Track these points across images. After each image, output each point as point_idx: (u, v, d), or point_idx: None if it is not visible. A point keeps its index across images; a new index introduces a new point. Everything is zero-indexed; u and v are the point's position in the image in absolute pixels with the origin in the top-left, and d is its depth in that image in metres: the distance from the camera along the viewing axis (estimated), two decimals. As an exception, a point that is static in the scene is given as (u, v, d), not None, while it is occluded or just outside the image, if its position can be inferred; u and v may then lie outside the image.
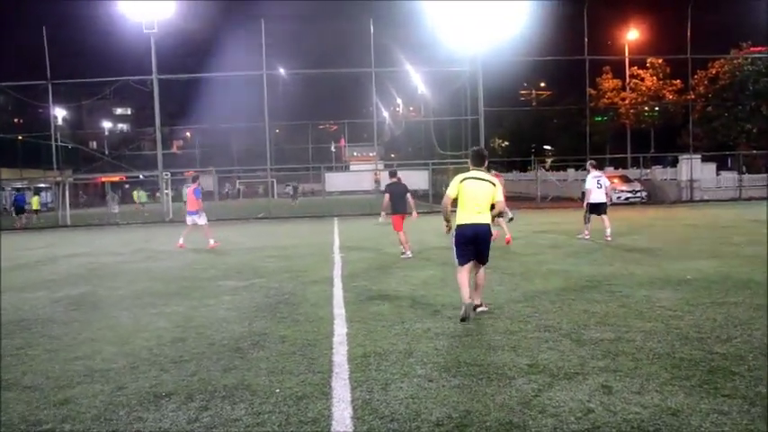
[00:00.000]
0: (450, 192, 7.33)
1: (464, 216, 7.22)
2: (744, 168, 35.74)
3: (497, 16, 31.27)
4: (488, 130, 35.36)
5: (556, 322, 6.79)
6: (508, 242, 14.41)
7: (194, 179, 17.51)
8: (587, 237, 15.12)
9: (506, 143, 65.87)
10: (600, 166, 18.85)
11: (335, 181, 35.03)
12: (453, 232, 7.38)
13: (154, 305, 8.74)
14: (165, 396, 4.88)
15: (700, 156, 34.05)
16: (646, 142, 43.00)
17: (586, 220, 15.35)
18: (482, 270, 7.50)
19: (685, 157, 33.63)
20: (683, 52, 34.29)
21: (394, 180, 13.50)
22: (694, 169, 32.63)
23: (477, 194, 7.18)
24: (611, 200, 16.08)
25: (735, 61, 38.33)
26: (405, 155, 62.96)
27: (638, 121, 42.45)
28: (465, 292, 7.09)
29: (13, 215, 33.06)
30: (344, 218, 27.47)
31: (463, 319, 6.96)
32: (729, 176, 34.69)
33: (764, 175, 34.20)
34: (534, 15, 32.40)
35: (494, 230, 8.08)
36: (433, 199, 31.23)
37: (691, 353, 5.54)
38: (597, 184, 14.98)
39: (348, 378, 5.15)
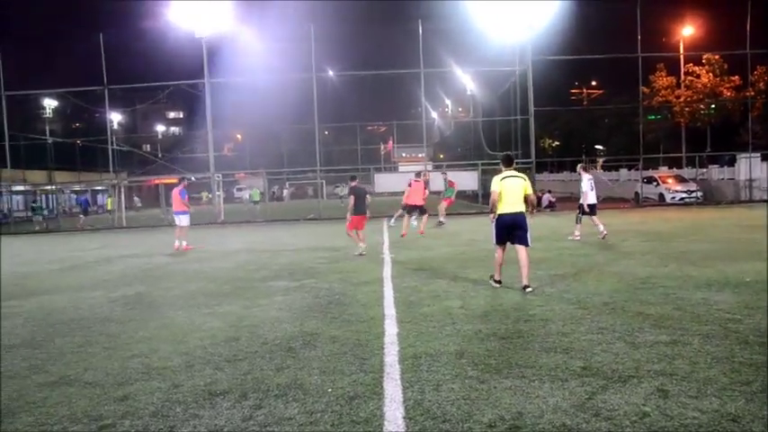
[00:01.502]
0: (497, 188, 8.98)
1: (505, 207, 8.92)
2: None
3: (547, 14, 30.93)
4: (538, 129, 34.97)
5: (609, 324, 6.68)
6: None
7: (181, 180, 18.35)
8: (578, 237, 15.55)
9: (557, 143, 64.99)
10: (588, 168, 19.28)
11: (385, 182, 35.07)
12: (495, 219, 9.08)
13: (207, 305, 8.92)
14: (219, 394, 4.99)
15: (759, 154, 32.97)
16: (702, 141, 41.85)
17: (578, 221, 16.00)
18: (524, 252, 8.95)
19: (744, 155, 32.61)
20: (742, 47, 33.24)
21: (354, 184, 14.57)
22: (753, 168, 31.61)
23: (514, 189, 8.94)
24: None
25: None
26: (454, 155, 62.67)
27: (693, 120, 41.34)
28: (498, 269, 9.25)
29: (80, 216, 34.64)
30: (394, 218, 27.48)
31: (498, 282, 9.19)
32: (791, 176, 33.54)
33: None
34: (585, 12, 31.92)
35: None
36: (483, 199, 31.06)
37: (751, 357, 5.39)
38: (591, 187, 15.77)
39: (399, 378, 5.17)
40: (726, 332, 6.23)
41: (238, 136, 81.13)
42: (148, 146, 76.94)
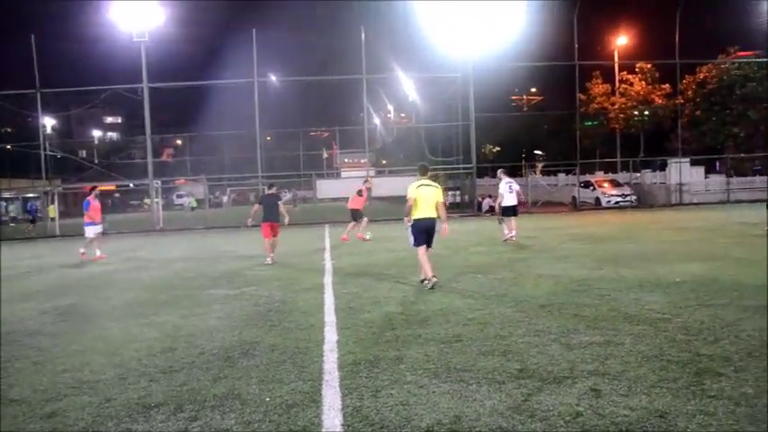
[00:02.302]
0: (412, 195, 9.81)
1: (420, 212, 9.81)
2: (731, 171, 35.99)
3: (488, 22, 31.39)
4: (480, 135, 35.43)
5: (546, 326, 6.82)
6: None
7: (92, 190, 17.87)
8: (513, 235, 16.11)
9: (497, 148, 66.00)
10: (511, 173, 20.17)
11: (327, 188, 34.98)
12: (411, 223, 9.94)
13: (144, 315, 8.71)
14: (154, 407, 4.87)
15: (688, 159, 34.25)
16: (636, 146, 43.21)
17: (500, 222, 16.75)
18: (428, 251, 10.03)
19: (674, 160, 33.82)
20: (672, 57, 34.53)
21: (270, 192, 14.94)
22: (683, 173, 32.82)
23: (428, 197, 9.82)
24: (527, 203, 17.37)
25: (722, 66, 38.61)
26: (396, 161, 62.86)
27: (627, 126, 42.62)
28: (428, 267, 9.84)
29: (29, 224, 33.67)
30: (336, 224, 27.42)
31: (432, 288, 9.55)
32: (717, 180, 34.95)
33: (752, 178, 34.46)
34: (525, 21, 32.44)
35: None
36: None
37: (678, 355, 5.58)
38: (509, 190, 16.48)
39: (338, 385, 5.16)
40: (656, 331, 6.43)
41: (179, 141, 79.56)
42: (84, 152, 74.70)
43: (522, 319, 7.21)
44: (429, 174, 10.32)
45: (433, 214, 9.86)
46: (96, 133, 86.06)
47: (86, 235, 17.12)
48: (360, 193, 18.51)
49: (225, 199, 60.48)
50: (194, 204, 36.87)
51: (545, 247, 14.99)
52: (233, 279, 11.94)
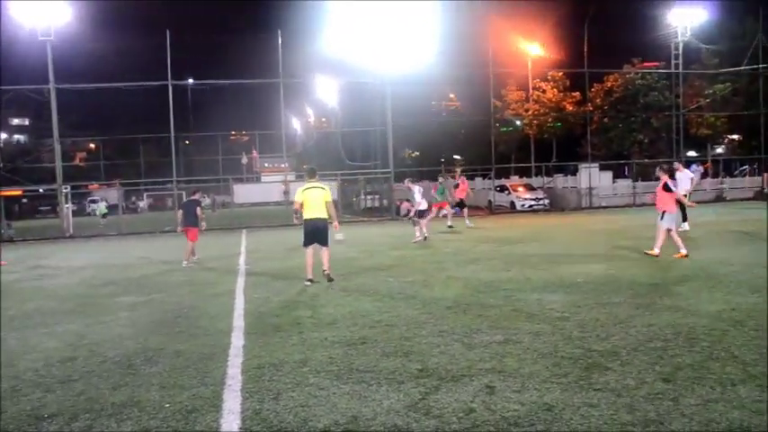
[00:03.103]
0: (298, 198, 10.57)
1: (307, 213, 10.48)
2: (637, 176, 37.71)
3: (407, 29, 31.73)
4: (398, 140, 35.80)
5: (450, 327, 7.00)
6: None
7: None
8: (419, 236, 17.31)
9: (416, 153, 66.78)
10: (430, 177, 21.80)
11: (245, 192, 34.60)
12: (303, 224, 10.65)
13: (45, 324, 8.43)
14: (47, 417, 4.75)
15: (598, 165, 35.62)
16: (549, 152, 44.61)
17: (415, 224, 17.78)
18: (326, 252, 10.71)
19: (584, 165, 35.10)
20: (581, 66, 35.91)
21: (192, 197, 15.33)
22: (593, 177, 34.10)
23: (315, 198, 10.44)
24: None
25: (627, 75, 40.42)
26: (317, 165, 62.62)
27: (540, 132, 44.00)
28: (309, 269, 10.58)
29: None
30: (254, 229, 27.16)
31: (309, 281, 10.44)
32: (624, 184, 36.48)
33: (656, 182, 36.20)
34: (443, 29, 33.00)
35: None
36: (343, 209, 31.47)
37: (572, 351, 5.85)
38: (421, 196, 18.03)
39: (240, 390, 5.17)
40: (554, 329, 6.72)
41: (92, 145, 76.76)
42: (-14, 155, 70.99)
43: (428, 321, 7.38)
44: (317, 176, 11.15)
45: (323, 215, 10.53)
46: (1, 136, 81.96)
47: None
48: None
49: (141, 204, 58.75)
50: (104, 210, 35.60)
51: (458, 249, 15.33)
52: (143, 285, 11.68)
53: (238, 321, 7.91)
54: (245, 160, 69.41)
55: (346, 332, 6.98)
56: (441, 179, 22.80)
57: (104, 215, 35.20)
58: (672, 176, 13.63)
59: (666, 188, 12.25)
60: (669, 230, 12.01)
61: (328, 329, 7.17)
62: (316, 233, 10.58)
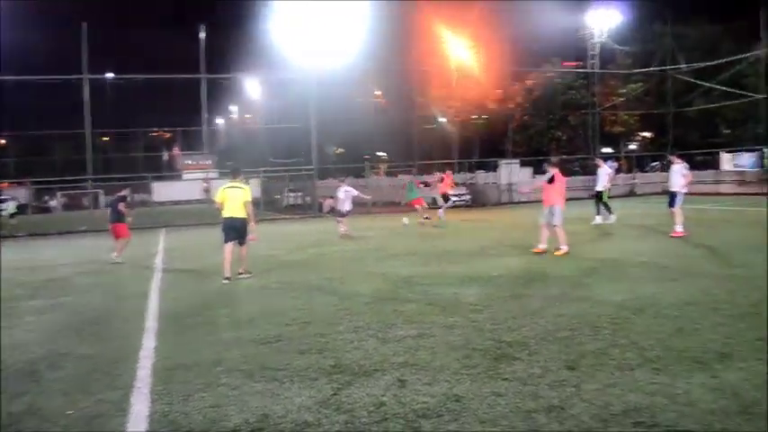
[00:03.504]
0: (218, 198, 10.98)
1: (227, 212, 10.78)
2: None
3: (332, 25, 31.62)
4: (323, 137, 35.66)
5: (366, 323, 7.04)
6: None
7: None
8: (344, 231, 17.73)
9: (341, 150, 66.71)
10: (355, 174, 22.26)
11: (165, 191, 33.80)
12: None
13: (-58, 330, 7.98)
14: (-64, 430, 4.52)
15: (518, 161, 36.50)
16: (472, 148, 45.40)
17: (338, 221, 18.34)
18: (244, 248, 10.98)
19: (505, 162, 35.91)
20: (504, 65, 36.72)
21: (119, 194, 15.53)
22: (513, 173, 34.91)
23: (234, 198, 10.77)
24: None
25: (546, 75, 41.57)
26: (241, 163, 61.68)
27: (464, 129, 44.70)
28: (227, 267, 10.69)
29: None
30: (173, 228, 26.52)
31: (227, 279, 10.54)
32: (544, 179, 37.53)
33: (573, 178, 37.38)
34: (368, 26, 33.02)
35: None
36: (264, 206, 31.18)
37: (483, 343, 5.98)
38: (345, 195, 18.37)
39: (149, 392, 5.05)
40: (467, 322, 6.85)
41: (2, 141, 73.19)
42: None
43: (345, 317, 7.40)
44: (240, 177, 11.53)
45: (240, 214, 10.76)
46: None
47: None
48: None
49: (54, 203, 56.45)
50: (13, 210, 34.00)
51: (379, 245, 15.41)
52: (52, 288, 11.22)
53: (151, 322, 7.72)
54: (166, 157, 67.70)
55: (262, 330, 6.92)
56: (410, 177, 23.08)
57: (13, 215, 33.58)
58: (564, 172, 13.83)
59: (551, 181, 12.42)
60: (555, 226, 12.22)
61: (244, 328, 7.09)
62: (233, 231, 10.80)
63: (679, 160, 14.87)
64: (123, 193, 15.39)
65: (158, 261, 14.70)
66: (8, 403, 5.00)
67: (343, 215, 18.17)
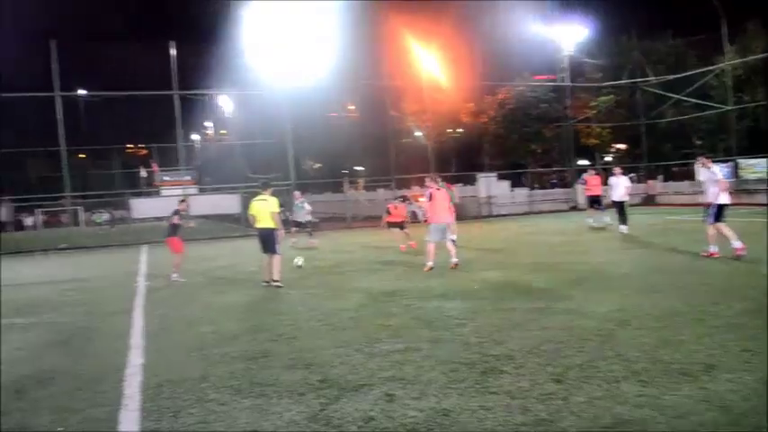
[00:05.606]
0: (250, 211, 11.66)
1: (257, 223, 11.49)
2: (534, 185, 39.23)
3: (306, 39, 31.73)
4: (300, 152, 35.60)
5: (351, 338, 7.07)
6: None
7: None
8: (314, 243, 19.92)
9: (318, 164, 66.65)
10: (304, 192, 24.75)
11: (144, 207, 33.46)
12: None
13: None
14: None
15: (496, 174, 36.78)
16: (449, 162, 45.59)
17: (309, 235, 20.72)
18: (275, 258, 11.43)
19: (483, 175, 36.17)
20: (475, 79, 37.05)
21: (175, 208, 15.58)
22: (491, 186, 35.17)
23: (261, 209, 11.42)
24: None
25: (518, 88, 41.93)
26: (218, 178, 61.39)
27: (439, 143, 44.88)
28: (266, 273, 11.55)
29: None
30: (155, 245, 26.27)
31: (265, 282, 11.47)
32: (522, 192, 37.84)
33: (551, 190, 37.79)
34: (342, 40, 33.15)
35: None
36: (245, 222, 30.95)
37: (469, 357, 6.04)
38: (303, 208, 20.82)
39: (138, 409, 5.05)
40: (452, 335, 6.92)
41: (-23, 159, 72.09)
42: None
43: (330, 332, 7.43)
44: (270, 189, 11.76)
45: (266, 224, 11.34)
46: None
47: None
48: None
49: (31, 221, 55.70)
50: None
51: (362, 260, 15.45)
52: (35, 306, 11.10)
53: (136, 340, 7.69)
54: (143, 173, 67.13)
55: (248, 346, 6.93)
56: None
57: None
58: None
59: (430, 198, 13.09)
60: (430, 242, 12.84)
61: (230, 344, 7.09)
62: (260, 241, 11.57)
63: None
64: (180, 207, 14.43)
65: (141, 278, 14.59)
66: (-4, 423, 4.98)
67: (301, 225, 20.28)
